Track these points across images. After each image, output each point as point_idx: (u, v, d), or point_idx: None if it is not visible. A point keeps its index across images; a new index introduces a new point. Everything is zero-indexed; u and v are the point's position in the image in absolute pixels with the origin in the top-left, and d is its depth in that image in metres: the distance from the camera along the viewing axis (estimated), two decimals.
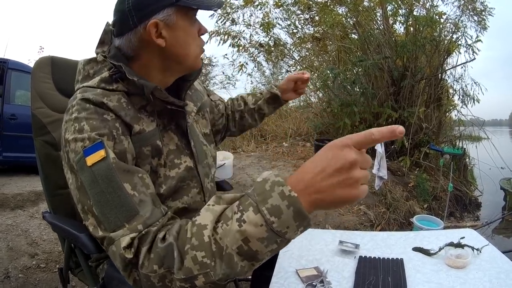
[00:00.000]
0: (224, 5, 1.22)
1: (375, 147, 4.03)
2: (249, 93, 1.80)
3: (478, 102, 6.29)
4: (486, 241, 1.49)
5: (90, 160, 0.95)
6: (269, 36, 7.46)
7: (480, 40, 6.00)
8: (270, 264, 1.35)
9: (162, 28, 1.07)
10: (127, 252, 0.86)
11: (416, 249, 1.43)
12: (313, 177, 0.74)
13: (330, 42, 7.48)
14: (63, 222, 1.41)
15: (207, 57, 12.05)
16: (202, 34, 1.19)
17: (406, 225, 4.15)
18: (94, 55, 1.19)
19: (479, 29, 6.15)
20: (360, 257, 1.36)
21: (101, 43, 1.20)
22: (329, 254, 1.41)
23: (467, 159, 6.54)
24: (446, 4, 6.21)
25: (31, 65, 6.70)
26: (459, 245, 1.39)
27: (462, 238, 1.43)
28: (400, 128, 0.70)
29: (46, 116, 1.51)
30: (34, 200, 4.13)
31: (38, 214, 3.83)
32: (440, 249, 1.39)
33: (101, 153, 0.96)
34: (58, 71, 1.58)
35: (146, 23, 1.06)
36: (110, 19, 1.17)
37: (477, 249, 1.39)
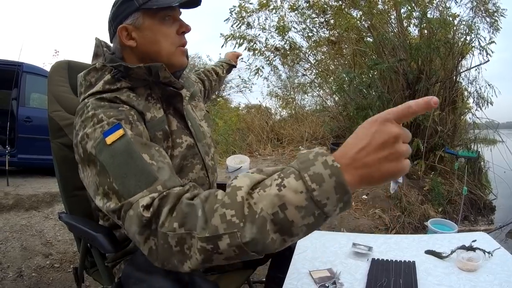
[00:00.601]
0: (200, 3, 1.30)
1: None
2: (215, 64, 2.22)
3: (492, 105, 6.23)
4: (498, 245, 1.50)
5: (110, 139, 1.01)
6: (285, 40, 7.48)
7: (493, 42, 5.96)
8: (284, 266, 1.38)
9: (131, 31, 1.22)
10: (145, 211, 0.86)
11: (429, 252, 1.45)
12: (358, 152, 0.73)
13: (346, 46, 7.47)
14: (80, 222, 1.46)
15: None
16: (184, 32, 1.29)
17: (420, 229, 4.13)
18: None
19: (491, 30, 6.12)
20: (373, 259, 1.38)
21: (95, 56, 1.34)
22: (343, 256, 1.43)
23: (481, 163, 6.47)
24: (459, 6, 6.19)
25: (46, 68, 6.81)
26: (470, 248, 1.40)
27: (474, 241, 1.44)
28: (434, 99, 0.72)
29: (63, 119, 1.55)
30: (49, 201, 4.15)
31: (52, 215, 3.84)
32: (452, 252, 1.41)
33: (120, 132, 1.02)
34: (74, 75, 1.59)
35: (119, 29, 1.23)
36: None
37: (489, 253, 1.40)
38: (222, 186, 1.83)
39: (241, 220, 0.74)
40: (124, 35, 1.22)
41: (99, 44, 1.34)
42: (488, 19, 6.13)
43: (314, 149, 0.77)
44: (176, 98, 1.32)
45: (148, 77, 1.22)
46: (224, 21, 7.37)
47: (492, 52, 5.99)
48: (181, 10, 1.29)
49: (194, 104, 1.52)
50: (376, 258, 1.39)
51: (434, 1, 6.22)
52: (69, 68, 1.62)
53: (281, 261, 1.31)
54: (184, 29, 1.28)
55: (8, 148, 5.09)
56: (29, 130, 5.55)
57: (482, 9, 6.11)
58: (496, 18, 6.12)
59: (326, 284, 1.22)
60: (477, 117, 6.51)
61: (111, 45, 1.32)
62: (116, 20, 1.24)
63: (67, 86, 1.60)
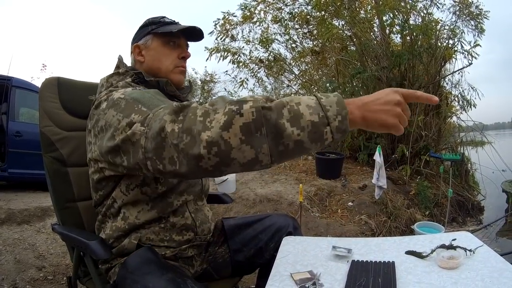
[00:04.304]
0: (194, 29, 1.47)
1: (374, 157, 4.07)
2: None
3: (475, 107, 6.31)
4: (480, 243, 1.50)
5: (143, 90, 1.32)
6: (269, 52, 7.52)
7: (478, 45, 6.05)
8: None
9: (142, 49, 1.55)
10: (176, 105, 1.03)
11: (409, 252, 1.45)
12: (369, 101, 1.01)
13: (329, 55, 7.53)
14: (72, 231, 1.52)
15: (209, 74, 12.15)
16: (183, 58, 1.58)
17: (407, 233, 4.16)
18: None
19: (476, 33, 6.21)
20: (353, 261, 1.37)
21: (117, 67, 1.55)
22: (323, 259, 1.43)
23: (468, 165, 6.53)
24: (442, 11, 6.28)
25: (35, 82, 6.79)
26: (451, 247, 1.40)
27: (454, 240, 1.44)
28: (435, 99, 1.09)
29: (54, 134, 1.63)
30: (41, 215, 4.19)
31: (44, 229, 3.90)
32: (432, 251, 1.40)
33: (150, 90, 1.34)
34: (64, 91, 1.70)
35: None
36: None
37: (470, 250, 1.40)
38: (213, 197, 1.95)
39: (264, 98, 0.96)
40: (136, 51, 1.55)
41: (121, 60, 1.58)
42: (472, 22, 6.22)
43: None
44: None
45: (158, 89, 1.43)
46: (209, 34, 7.41)
47: (478, 55, 6.11)
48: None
49: None
50: (356, 260, 1.38)
51: (417, 7, 6.29)
52: (58, 84, 1.70)
53: (268, 270, 1.35)
54: (183, 54, 1.57)
55: None
56: (19, 144, 5.56)
57: (465, 12, 6.19)
58: (480, 21, 6.20)
59: (306, 285, 1.21)
60: (462, 120, 6.59)
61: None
62: (134, 40, 1.57)
63: (57, 102, 1.67)
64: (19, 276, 2.97)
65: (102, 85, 1.45)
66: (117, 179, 1.37)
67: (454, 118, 6.85)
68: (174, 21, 1.59)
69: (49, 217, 4.16)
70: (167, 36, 1.53)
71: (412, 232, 3.82)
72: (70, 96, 1.70)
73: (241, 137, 0.92)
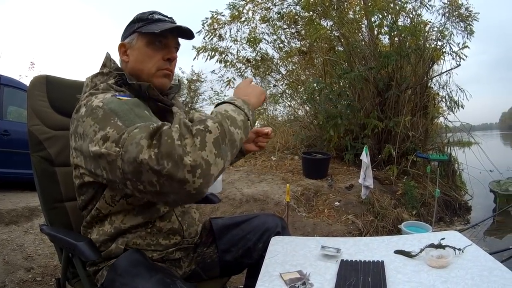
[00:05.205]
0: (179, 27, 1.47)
1: (361, 157, 4.08)
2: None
3: (463, 108, 6.37)
4: (469, 241, 1.50)
5: (122, 98, 1.25)
6: (256, 51, 7.51)
7: (467, 46, 6.08)
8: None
9: (128, 48, 1.47)
10: (152, 125, 1.04)
11: (398, 251, 1.45)
12: (247, 91, 1.36)
13: (317, 55, 7.54)
14: (60, 232, 1.50)
15: (196, 73, 12.08)
16: (169, 59, 1.47)
17: (395, 232, 4.18)
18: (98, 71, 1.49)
19: (466, 35, 6.25)
20: (342, 260, 1.37)
21: (103, 66, 1.50)
22: (312, 258, 1.43)
23: (455, 165, 6.60)
24: (431, 12, 6.32)
25: (23, 80, 6.68)
26: (440, 246, 1.40)
27: (443, 239, 1.45)
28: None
29: (42, 133, 1.61)
30: (28, 215, 4.15)
31: (32, 230, 3.86)
32: (421, 250, 1.41)
33: (129, 98, 1.29)
34: (52, 90, 1.68)
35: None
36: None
37: (459, 249, 1.40)
38: (206, 198, 1.93)
39: (213, 115, 1.09)
40: (122, 50, 1.48)
41: (109, 57, 1.51)
42: (462, 24, 6.27)
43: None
44: (168, 113, 1.50)
45: (140, 92, 1.39)
46: (197, 33, 7.34)
47: (466, 57, 6.15)
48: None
49: None
50: (345, 260, 1.38)
51: (406, 9, 6.32)
52: (47, 83, 1.68)
53: (257, 270, 1.35)
54: (168, 56, 1.46)
55: None
56: (7, 143, 5.41)
57: (455, 14, 6.24)
58: (470, 23, 6.26)
59: (296, 285, 1.21)
60: (449, 121, 6.64)
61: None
62: (122, 37, 1.50)
63: (45, 100, 1.66)
64: (8, 277, 2.95)
65: (87, 84, 1.42)
66: (97, 187, 1.34)
67: (441, 119, 6.90)
68: (165, 17, 1.49)
69: (36, 217, 4.12)
70: (152, 36, 1.42)
71: (399, 232, 3.84)
72: (58, 95, 1.68)
73: (215, 152, 1.00)
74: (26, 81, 6.77)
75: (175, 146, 0.95)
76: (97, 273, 1.42)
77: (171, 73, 1.50)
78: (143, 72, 1.43)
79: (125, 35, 1.48)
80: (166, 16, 1.50)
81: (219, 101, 1.25)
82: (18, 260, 3.22)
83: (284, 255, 1.47)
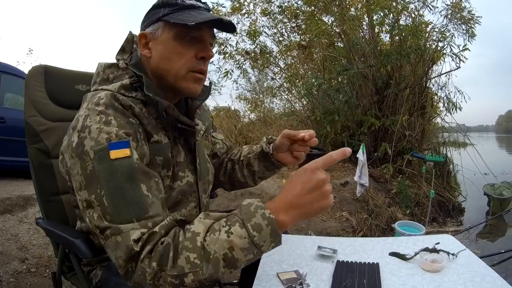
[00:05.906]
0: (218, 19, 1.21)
1: (357, 155, 4.09)
2: (252, 144, 1.73)
3: (461, 110, 6.39)
4: (463, 246, 1.51)
5: (114, 154, 0.98)
6: (255, 44, 7.49)
7: (467, 49, 6.09)
8: (257, 270, 1.38)
9: (150, 40, 1.16)
10: (135, 245, 0.91)
11: (393, 254, 1.46)
12: (294, 197, 0.95)
13: (316, 50, 7.53)
14: (58, 228, 1.45)
15: None
16: (203, 58, 1.17)
17: (388, 231, 4.20)
18: (114, 60, 1.24)
19: (467, 37, 6.26)
20: (338, 261, 1.38)
21: (122, 50, 1.27)
22: (309, 258, 1.43)
23: (450, 166, 6.62)
24: (433, 13, 6.32)
25: (20, 67, 6.59)
26: (434, 250, 1.41)
27: (437, 243, 1.45)
28: (348, 150, 0.98)
29: (39, 124, 1.56)
30: (23, 204, 4.09)
31: (27, 219, 3.81)
32: (416, 254, 1.42)
33: (126, 151, 1.00)
34: (51, 80, 1.62)
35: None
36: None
37: (453, 254, 1.41)
38: None
39: (201, 261, 0.91)
40: (142, 42, 1.17)
41: (130, 39, 1.27)
42: (463, 27, 6.27)
43: (253, 201, 0.97)
44: (189, 134, 1.28)
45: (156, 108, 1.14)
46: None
47: (466, 59, 6.16)
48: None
49: (205, 138, 1.47)
50: (341, 260, 1.39)
51: (408, 8, 6.32)
52: (45, 73, 1.62)
53: (253, 264, 1.34)
54: (203, 54, 1.16)
55: None
56: (3, 131, 5.34)
57: (457, 16, 6.24)
58: (472, 26, 6.26)
59: (293, 285, 1.22)
60: (446, 122, 6.66)
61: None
62: (142, 25, 1.19)
63: (43, 91, 1.60)
64: (2, 268, 2.92)
65: (98, 73, 1.21)
66: None
67: (439, 120, 6.92)
68: (198, 1, 1.17)
69: (31, 206, 4.07)
70: (182, 27, 1.11)
71: (392, 231, 3.86)
72: (56, 86, 1.64)
73: None
74: (24, 68, 6.69)
75: (146, 285, 0.93)
76: (90, 272, 1.39)
77: (204, 77, 1.21)
78: (169, 73, 1.15)
79: (147, 23, 1.17)
80: (200, 1, 1.18)
81: (249, 203, 0.97)
82: (13, 251, 3.19)
83: (281, 254, 1.47)
